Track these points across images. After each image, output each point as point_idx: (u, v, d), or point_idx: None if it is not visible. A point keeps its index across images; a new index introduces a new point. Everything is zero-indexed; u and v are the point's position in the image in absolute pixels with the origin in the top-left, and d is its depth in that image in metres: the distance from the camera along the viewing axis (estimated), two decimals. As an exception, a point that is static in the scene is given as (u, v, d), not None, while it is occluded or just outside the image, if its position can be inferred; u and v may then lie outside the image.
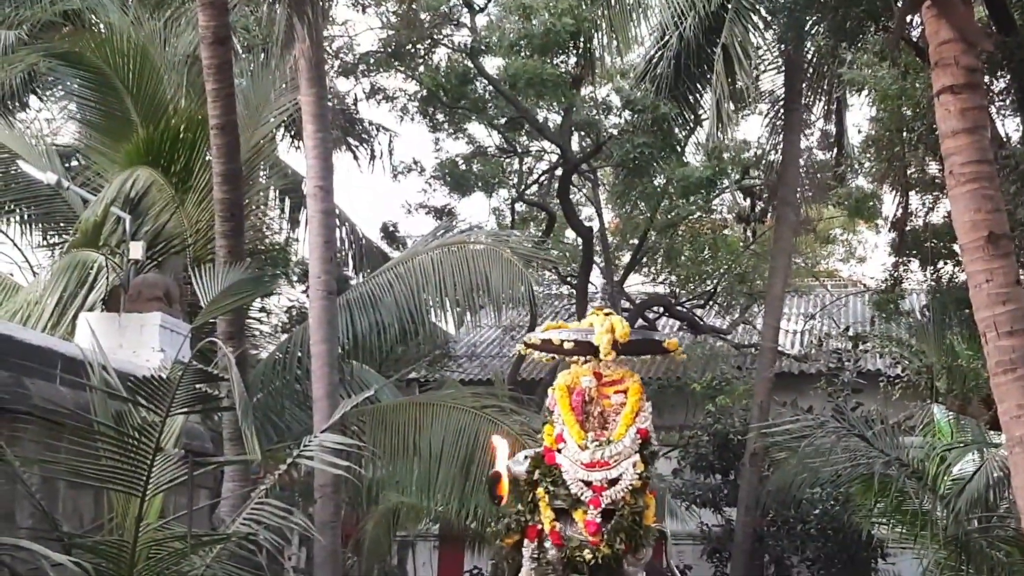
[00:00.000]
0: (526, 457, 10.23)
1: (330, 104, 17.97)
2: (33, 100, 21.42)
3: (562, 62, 23.22)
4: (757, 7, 18.14)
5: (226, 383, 8.74)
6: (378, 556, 19.30)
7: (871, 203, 24.42)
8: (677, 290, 28.21)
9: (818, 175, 23.19)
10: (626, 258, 28.32)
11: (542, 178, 28.16)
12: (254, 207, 17.98)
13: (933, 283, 19.76)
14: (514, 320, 26.35)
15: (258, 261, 18.75)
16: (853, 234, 33.61)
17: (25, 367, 9.47)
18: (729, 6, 17.39)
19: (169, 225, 15.50)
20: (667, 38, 18.38)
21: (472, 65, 23.96)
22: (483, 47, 23.43)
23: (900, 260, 20.60)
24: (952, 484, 12.26)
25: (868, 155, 22.82)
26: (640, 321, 25.35)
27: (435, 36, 24.93)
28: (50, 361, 9.89)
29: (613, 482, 9.78)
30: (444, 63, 24.89)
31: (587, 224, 26.72)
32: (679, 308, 27.56)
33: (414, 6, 23.18)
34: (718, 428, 21.03)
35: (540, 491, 9.90)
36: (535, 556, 9.84)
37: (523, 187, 27.88)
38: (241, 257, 12.08)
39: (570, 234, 28.24)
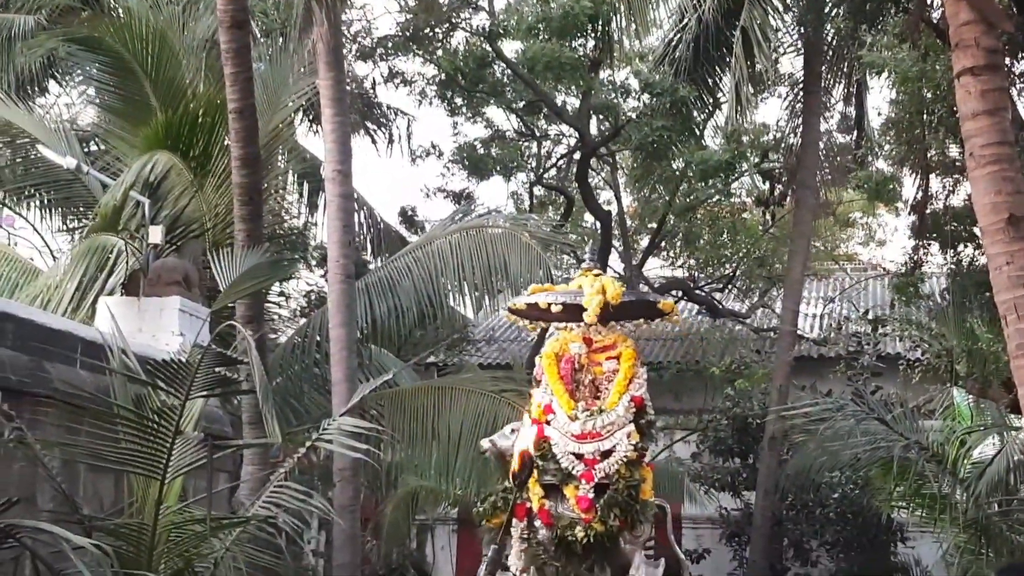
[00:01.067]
0: (512, 431, 9.64)
1: (348, 88, 17.96)
2: (52, 85, 21.49)
3: (580, 45, 23.15)
4: (777, -11, 18.08)
5: (245, 367, 8.77)
6: (397, 540, 19.36)
7: (891, 186, 24.27)
8: (696, 274, 28.17)
9: (837, 158, 23.10)
10: (645, 242, 28.29)
11: (560, 162, 28.12)
12: (273, 191, 18.01)
13: (953, 266, 19.71)
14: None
15: (277, 245, 18.78)
16: (873, 217, 33.52)
17: (46, 351, 9.51)
18: (748, -11, 17.32)
19: (188, 209, 15.53)
20: (686, 21, 18.35)
21: (490, 49, 23.92)
22: (501, 30, 23.38)
23: (920, 243, 20.53)
24: (972, 467, 12.24)
25: (888, 138, 22.72)
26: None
27: (453, 19, 24.89)
28: (70, 345, 9.93)
29: (606, 454, 9.15)
30: (462, 47, 24.85)
31: (605, 208, 26.70)
32: (698, 292, 27.52)
33: (432, -11, 23.15)
34: (737, 412, 20.99)
35: None
36: (524, 536, 9.21)
37: (541, 171, 27.84)
38: (260, 241, 12.11)
39: (588, 218, 28.23)
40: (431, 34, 24.77)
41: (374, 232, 20.39)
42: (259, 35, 19.12)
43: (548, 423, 9.30)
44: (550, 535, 9.06)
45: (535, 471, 9.17)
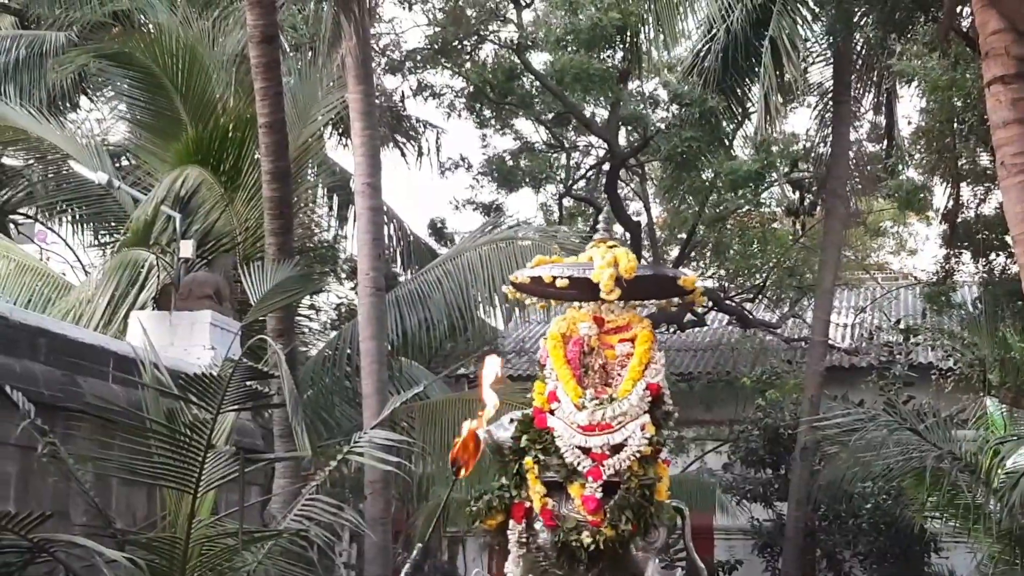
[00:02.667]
0: (512, 421, 8.45)
1: (377, 101, 18.00)
2: (84, 101, 21.67)
3: (609, 56, 23.16)
4: (805, -1, 18.04)
5: (276, 380, 8.79)
6: (428, 552, 19.35)
7: (922, 195, 24.19)
8: (726, 284, 28.09)
9: (868, 167, 23.02)
10: (674, 252, 28.24)
11: (589, 173, 28.12)
12: (303, 205, 18.08)
13: (985, 275, 19.61)
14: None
15: (307, 259, 18.84)
16: (904, 226, 33.36)
17: (78, 365, 9.57)
18: (777, -2, 17.30)
19: (219, 223, 15.60)
20: (714, 31, 18.31)
21: (519, 61, 23.97)
22: (530, 42, 23.44)
23: (951, 252, 20.45)
24: (1006, 477, 12.14)
25: (918, 147, 22.65)
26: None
27: (481, 32, 24.94)
28: (103, 359, 9.99)
29: (617, 448, 8.08)
30: (491, 59, 24.91)
31: (635, 219, 26.67)
32: (728, 302, 27.45)
33: (460, 2, 23.23)
34: (768, 422, 20.91)
35: (528, 461, 8.15)
36: (523, 540, 8.13)
37: (570, 182, 27.84)
38: (290, 255, 12.15)
39: (618, 228, 28.18)
40: (460, 47, 24.83)
41: (404, 245, 20.43)
42: (288, 49, 19.20)
43: (552, 412, 8.26)
44: (552, 539, 8.03)
45: (536, 467, 8.15)
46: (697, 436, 25.07)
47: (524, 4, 24.97)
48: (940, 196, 23.28)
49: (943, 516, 13.55)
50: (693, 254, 28.13)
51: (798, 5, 17.71)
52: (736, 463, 21.80)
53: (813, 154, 23.80)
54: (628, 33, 21.87)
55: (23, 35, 19.19)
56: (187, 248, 13.72)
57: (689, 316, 26.06)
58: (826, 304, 20.61)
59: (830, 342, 22.32)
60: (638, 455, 8.06)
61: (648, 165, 27.44)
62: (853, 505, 19.57)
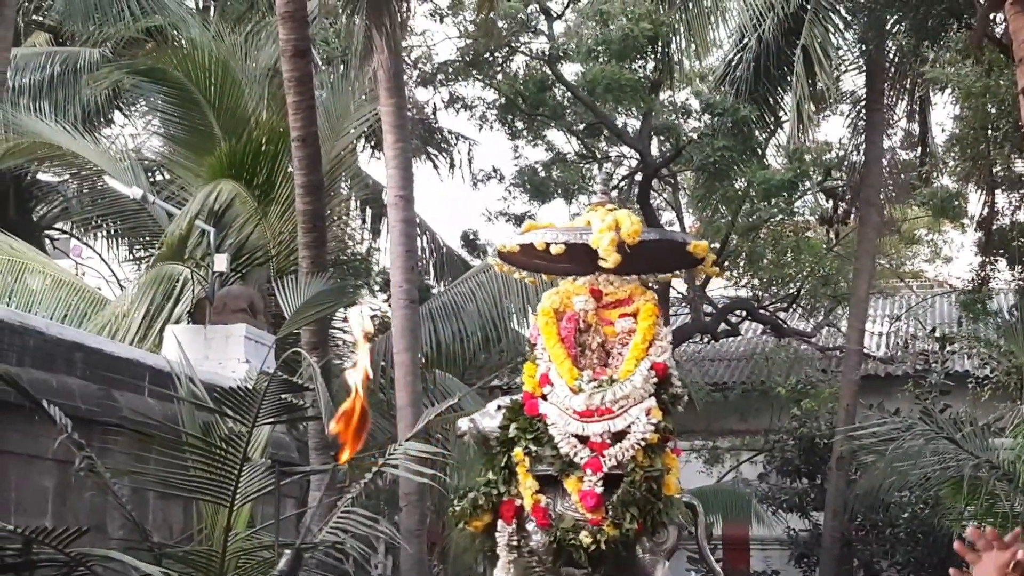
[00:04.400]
0: (499, 408, 7.57)
1: (409, 114, 18.08)
2: (118, 116, 21.82)
3: (640, 67, 23.14)
4: (837, 7, 18.00)
5: (311, 393, 8.81)
6: (464, 564, 19.33)
7: (956, 202, 24.07)
8: (760, 293, 27.99)
9: (902, 175, 22.91)
10: (708, 262, 28.15)
11: (622, 183, 28.07)
12: (336, 218, 18.14)
13: (1021, 282, 19.48)
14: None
15: (340, 271, 18.91)
16: (938, 234, 33.18)
17: (114, 379, 9.62)
18: (808, 7, 17.27)
19: (252, 237, 15.67)
20: (746, 40, 18.29)
21: (550, 72, 23.98)
22: (561, 54, 23.44)
23: (987, 259, 20.32)
24: (1044, 486, 12.06)
25: (952, 154, 22.55)
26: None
27: (513, 44, 24.97)
28: (138, 373, 10.04)
29: (619, 436, 7.14)
30: (522, 70, 24.93)
31: (668, 228, 26.60)
32: (762, 312, 27.35)
33: (492, 14, 23.24)
34: (804, 432, 20.82)
35: (518, 453, 7.23)
36: (514, 543, 7.24)
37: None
38: (324, 268, 12.19)
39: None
40: (491, 59, 24.86)
41: (437, 257, 20.47)
42: (320, 63, 19.27)
43: (544, 398, 7.32)
44: (547, 541, 7.12)
45: (528, 459, 7.18)
46: (732, 446, 24.99)
47: (555, 15, 24.99)
48: (975, 203, 23.18)
49: (981, 525, 13.43)
50: (726, 263, 28.04)
51: (830, 13, 17.67)
52: (772, 473, 21.73)
53: (846, 162, 23.71)
54: (659, 43, 21.85)
55: (58, 52, 19.37)
56: (221, 262, 13.78)
57: (723, 326, 25.99)
58: (861, 313, 20.52)
59: (865, 351, 22.21)
60: (643, 443, 7.11)
61: (681, 175, 27.38)
62: (890, 515, 19.46)
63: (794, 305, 27.84)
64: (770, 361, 25.82)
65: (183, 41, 18.88)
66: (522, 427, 7.30)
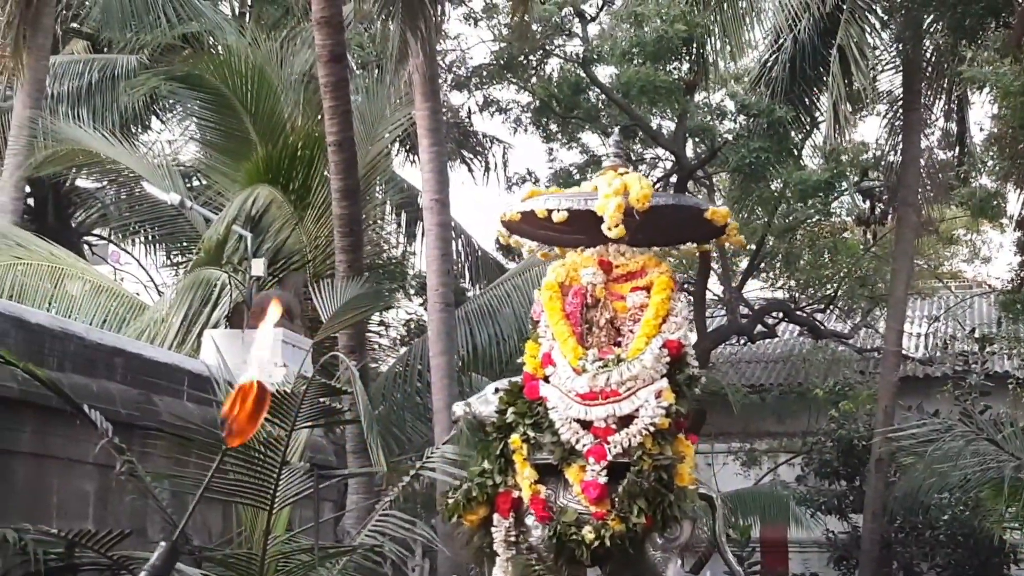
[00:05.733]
0: (497, 391, 7.00)
1: (444, 118, 18.10)
2: (155, 122, 21.95)
3: (675, 68, 23.08)
4: (873, 7, 17.94)
5: (348, 396, 8.83)
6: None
7: (995, 202, 23.92)
8: (797, 295, 27.88)
9: (939, 175, 22.77)
10: (744, 264, 28.07)
11: (657, 185, 28.04)
12: (371, 222, 18.18)
13: (1062, 282, 19.31)
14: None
15: (376, 275, 18.94)
16: (977, 234, 32.97)
17: (154, 384, 9.68)
18: (844, 6, 17.20)
19: (289, 242, 15.72)
20: (781, 41, 18.24)
21: (584, 74, 23.96)
22: (595, 56, 23.41)
23: (1027, 259, 20.16)
24: (1086, 488, 11.97)
25: (991, 153, 22.38)
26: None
27: (547, 47, 24.97)
28: (177, 378, 10.09)
29: (625, 421, 6.48)
30: (556, 73, 24.92)
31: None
32: (799, 313, 27.25)
33: (526, 18, 23.26)
34: (842, 434, 20.72)
35: (515, 439, 6.64)
36: (511, 539, 6.63)
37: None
38: (360, 272, 12.22)
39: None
40: (525, 62, 24.87)
41: (472, 260, 20.49)
42: (356, 68, 19.34)
43: (546, 379, 6.70)
44: (547, 536, 6.52)
45: (526, 446, 6.58)
46: (770, 448, 24.91)
47: (589, 18, 24.98)
48: (1014, 202, 22.98)
49: (1022, 527, 13.35)
50: (763, 265, 27.96)
51: (866, 13, 17.60)
52: (810, 475, 21.63)
53: (883, 163, 23.58)
54: (694, 45, 21.79)
55: (95, 59, 19.52)
56: (258, 267, 13.83)
57: (760, 328, 25.90)
58: (899, 314, 20.41)
59: (904, 352, 22.10)
60: (651, 429, 6.47)
61: (716, 176, 27.31)
62: (930, 517, 19.35)
63: (831, 306, 27.71)
64: (807, 363, 25.72)
65: (219, 47, 19.00)
66: (521, 411, 6.71)
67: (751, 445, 24.69)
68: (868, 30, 17.79)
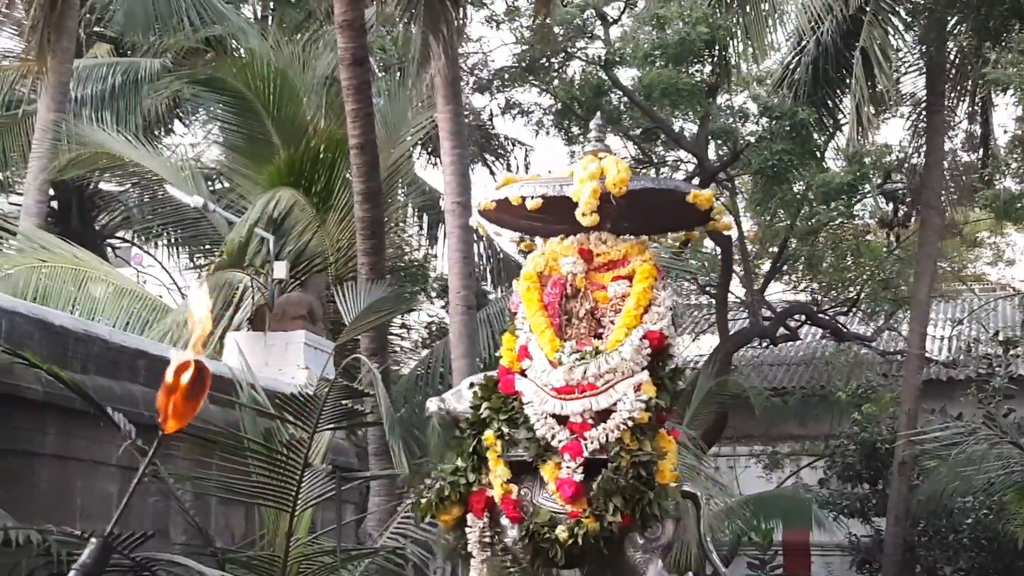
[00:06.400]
0: (472, 386, 6.69)
1: (466, 120, 18.11)
2: (178, 125, 22.04)
3: (697, 71, 23.08)
4: (897, 8, 17.89)
5: (370, 399, 8.84)
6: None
7: (1019, 204, 23.82)
8: (819, 297, 27.82)
9: (963, 177, 22.71)
10: (766, 266, 28.02)
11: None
12: (393, 224, 18.19)
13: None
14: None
15: (398, 278, 18.97)
16: (1001, 236, 32.82)
17: (176, 386, 9.68)
18: (868, 8, 17.15)
19: (311, 244, 15.74)
20: (804, 43, 18.21)
21: (606, 77, 23.95)
22: (617, 58, 23.40)
23: (1051, 262, 20.07)
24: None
25: (1015, 155, 22.30)
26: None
27: (569, 49, 24.96)
28: (200, 380, 10.09)
29: (603, 416, 6.16)
30: (578, 76, 24.92)
31: (726, 233, 26.51)
32: (822, 316, 27.18)
33: (548, 20, 23.27)
34: (865, 437, 20.67)
35: (489, 436, 6.35)
36: (486, 540, 6.36)
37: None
38: (382, 274, 12.24)
39: (708, 243, 28.05)
40: (547, 64, 24.87)
41: (494, 262, 20.47)
42: (377, 71, 19.37)
43: (523, 373, 6.40)
44: (522, 536, 6.26)
45: (500, 443, 6.28)
46: (792, 451, 24.85)
47: (612, 20, 24.96)
48: (1038, 205, 22.92)
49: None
50: (785, 267, 27.90)
51: (889, 15, 17.56)
52: (832, 478, 21.58)
53: (907, 165, 23.54)
54: (717, 47, 21.78)
55: (119, 63, 19.58)
56: (280, 269, 13.86)
57: (782, 330, 25.83)
58: (922, 316, 20.35)
59: (927, 355, 22.02)
60: (630, 423, 6.14)
61: (739, 179, 27.26)
62: (953, 520, 19.28)
63: (854, 309, 27.64)
64: (830, 365, 25.65)
65: (242, 51, 19.05)
66: (495, 407, 6.39)
67: (773, 448, 24.63)
68: (891, 32, 17.75)
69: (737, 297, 26.83)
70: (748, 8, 18.14)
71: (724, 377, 21.04)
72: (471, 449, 6.41)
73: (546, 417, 6.19)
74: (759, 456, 24.56)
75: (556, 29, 24.29)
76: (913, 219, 24.20)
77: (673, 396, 6.51)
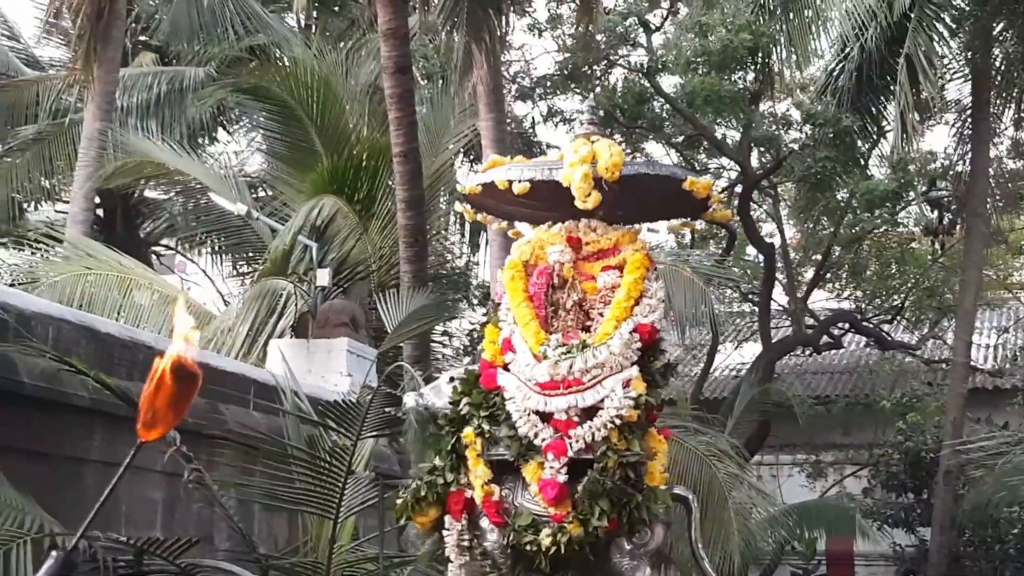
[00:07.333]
0: (452, 380, 6.35)
1: (508, 128, 18.13)
2: (222, 134, 22.16)
3: (740, 78, 23.01)
4: (942, 15, 17.75)
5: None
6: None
7: (1066, 212, 23.66)
8: (863, 306, 27.67)
9: (1009, 184, 22.53)
10: (809, 274, 27.88)
11: (722, 195, 27.88)
12: (435, 232, 18.23)
13: None
14: (696, 339, 26.20)
15: (440, 285, 19.01)
16: (1048, 244, 32.56)
17: (221, 393, 9.75)
18: (912, 15, 17.04)
19: (354, 252, 15.80)
20: (848, 50, 18.12)
21: (649, 84, 23.92)
22: (660, 66, 23.37)
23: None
24: None
25: (1061, 162, 22.11)
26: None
27: (611, 57, 24.95)
28: (244, 387, 10.17)
29: (589, 414, 5.81)
30: (621, 83, 24.89)
31: (768, 240, 26.40)
32: (866, 324, 27.02)
33: (590, 28, 23.25)
34: (909, 446, 20.53)
35: (468, 434, 6.01)
36: (464, 543, 6.02)
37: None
38: (424, 282, 12.27)
39: (751, 251, 27.94)
40: (589, 72, 24.86)
41: (536, 270, 20.45)
42: (420, 79, 19.41)
43: (506, 367, 6.05)
44: (503, 540, 5.89)
45: (480, 441, 5.94)
46: (836, 460, 24.71)
47: (654, 28, 24.93)
48: (1085, 212, 22.74)
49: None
50: (828, 275, 27.77)
51: (934, 21, 17.43)
52: (877, 488, 21.45)
53: (952, 172, 23.37)
54: (760, 54, 21.70)
55: (164, 72, 19.73)
56: (323, 277, 13.92)
57: (825, 338, 25.71)
58: (967, 325, 20.18)
59: (972, 364, 21.84)
60: (618, 421, 5.77)
61: (781, 186, 27.15)
62: (999, 530, 19.12)
63: (898, 317, 27.48)
64: (874, 374, 25.51)
65: (285, 59, 19.15)
66: (475, 403, 6.02)
67: (817, 457, 24.50)
68: (936, 38, 17.62)
69: (780, 305, 26.71)
70: (791, 15, 18.08)
71: (767, 385, 20.96)
72: (450, 447, 6.10)
73: (529, 414, 5.85)
74: (802, 465, 24.43)
75: (598, 37, 24.27)
76: (958, 227, 24.02)
77: (663, 393, 6.17)
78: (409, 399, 6.52)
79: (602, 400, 5.80)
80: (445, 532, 6.06)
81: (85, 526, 5.20)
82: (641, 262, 6.11)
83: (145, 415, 4.49)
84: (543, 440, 5.77)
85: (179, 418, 4.60)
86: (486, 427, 5.93)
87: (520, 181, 6.05)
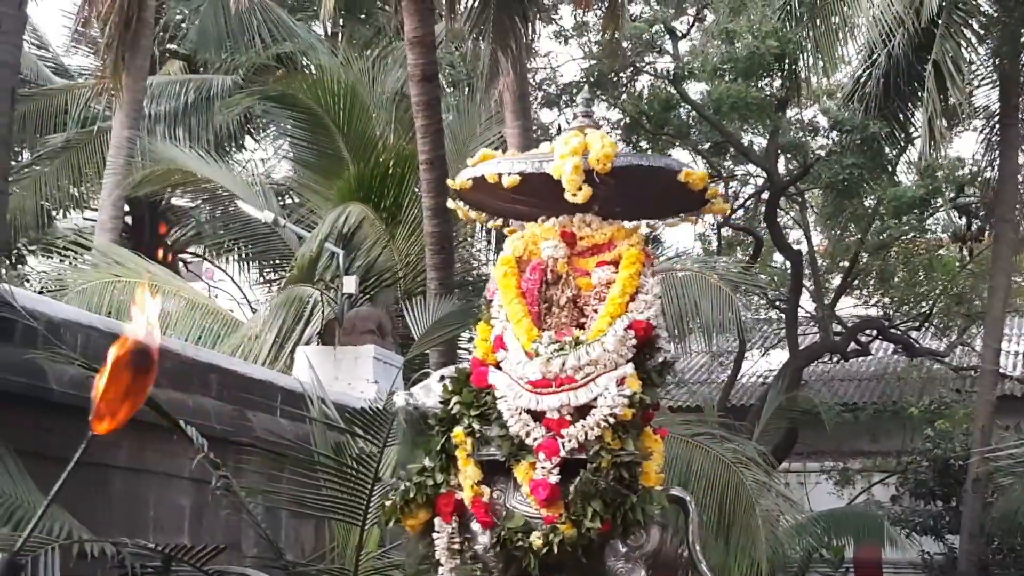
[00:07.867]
0: (442, 379, 6.18)
1: (534, 135, 18.13)
2: (249, 141, 22.25)
3: (767, 85, 22.97)
4: (970, 21, 17.68)
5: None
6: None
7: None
8: (891, 312, 27.56)
9: (1037, 190, 22.40)
10: (836, 281, 27.80)
11: (748, 202, 27.84)
12: (462, 239, 18.24)
13: None
14: (722, 346, 26.16)
15: (466, 292, 19.02)
16: (1077, 251, 32.36)
17: (248, 400, 9.79)
18: (940, 21, 16.97)
19: (380, 259, 15.83)
20: (875, 56, 18.05)
21: (675, 91, 23.91)
22: (686, 73, 23.35)
23: None
24: None
25: (1091, 168, 21.93)
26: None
27: (638, 64, 24.94)
28: (271, 394, 10.19)
29: (582, 412, 5.63)
30: (647, 90, 24.88)
31: (795, 247, 26.33)
32: (893, 331, 26.92)
33: (616, 35, 23.26)
34: (938, 453, 20.43)
35: (458, 433, 5.83)
36: (455, 546, 5.84)
37: (729, 212, 27.60)
38: (451, 289, 12.28)
39: (778, 258, 27.87)
40: (616, 79, 24.86)
41: (561, 276, 20.45)
42: (446, 87, 19.45)
43: (497, 365, 5.89)
44: (493, 542, 5.72)
45: (470, 440, 5.77)
46: (864, 468, 24.61)
47: (680, 35, 24.92)
48: (1116, 219, 22.56)
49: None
50: (856, 282, 27.68)
51: (962, 28, 17.36)
52: (905, 495, 21.36)
53: (980, 178, 23.27)
54: (786, 61, 21.66)
55: (191, 80, 19.84)
56: (350, 284, 13.95)
57: (853, 345, 25.61)
58: (996, 332, 20.07)
59: (1001, 370, 21.72)
60: (611, 420, 5.59)
61: (808, 193, 27.08)
62: (1029, 538, 19.02)
63: (926, 324, 27.38)
64: (902, 381, 25.42)
65: (312, 67, 19.22)
66: (466, 401, 5.85)
67: (844, 464, 24.41)
68: (964, 45, 17.54)
69: (807, 312, 26.64)
70: (818, 21, 18.04)
71: (794, 392, 20.90)
72: (439, 447, 5.91)
73: (520, 413, 5.67)
74: (830, 472, 24.34)
75: (624, 44, 24.27)
76: (987, 233, 23.90)
77: (659, 391, 5.99)
78: (399, 398, 6.37)
79: (595, 398, 5.63)
80: (435, 535, 5.88)
81: (24, 538, 5.01)
82: (637, 257, 5.94)
83: (97, 406, 4.22)
84: (535, 439, 5.61)
85: (134, 409, 4.33)
86: (476, 426, 5.77)
87: (510, 174, 5.88)
